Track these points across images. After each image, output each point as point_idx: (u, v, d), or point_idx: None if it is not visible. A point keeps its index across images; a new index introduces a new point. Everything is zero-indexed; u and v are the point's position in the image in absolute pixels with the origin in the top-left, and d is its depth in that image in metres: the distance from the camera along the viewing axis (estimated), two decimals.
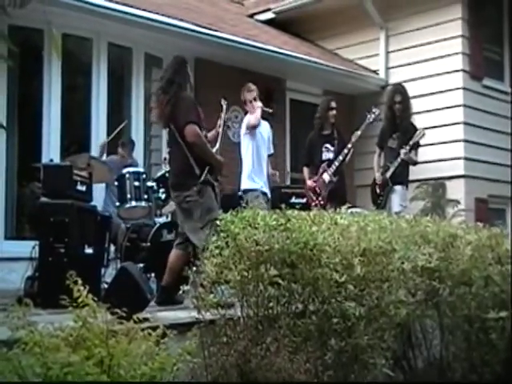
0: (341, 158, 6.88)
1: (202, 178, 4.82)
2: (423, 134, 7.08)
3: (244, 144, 6.32)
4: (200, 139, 4.79)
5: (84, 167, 5.46)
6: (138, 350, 2.61)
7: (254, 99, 6.29)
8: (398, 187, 7.04)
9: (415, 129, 7.17)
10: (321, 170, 6.94)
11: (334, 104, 7.11)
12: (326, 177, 6.87)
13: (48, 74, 6.81)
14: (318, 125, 7.06)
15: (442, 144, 9.12)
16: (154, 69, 7.95)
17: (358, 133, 6.98)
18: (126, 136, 7.17)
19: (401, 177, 7.07)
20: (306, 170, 7.14)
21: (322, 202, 6.75)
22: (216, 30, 8.02)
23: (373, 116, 7.09)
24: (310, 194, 6.94)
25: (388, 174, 7.03)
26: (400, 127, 7.15)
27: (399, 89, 7.35)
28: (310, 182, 6.93)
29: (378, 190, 7.13)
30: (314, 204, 6.78)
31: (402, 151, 6.96)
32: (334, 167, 6.87)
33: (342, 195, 6.81)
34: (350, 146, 6.88)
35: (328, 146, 6.98)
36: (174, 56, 5.23)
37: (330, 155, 6.98)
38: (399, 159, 6.99)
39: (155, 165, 7.70)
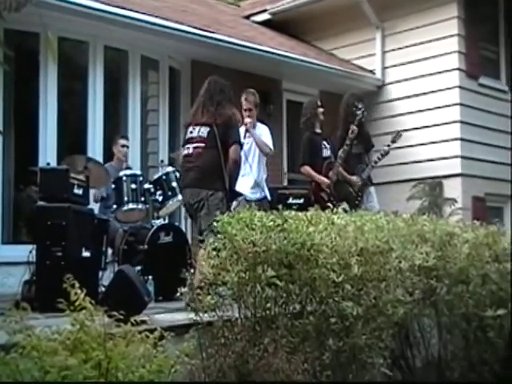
0: (342, 155, 6.88)
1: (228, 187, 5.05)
2: (400, 135, 7.31)
3: None
4: (240, 159, 5.30)
5: (81, 170, 5.45)
6: (136, 352, 2.61)
7: (246, 110, 6.35)
8: (372, 188, 7.28)
9: (369, 137, 7.49)
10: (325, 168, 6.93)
11: (319, 102, 7.21)
12: (333, 176, 6.87)
13: (44, 77, 6.78)
14: (309, 124, 7.04)
15: (439, 143, 9.14)
16: (150, 71, 7.95)
17: (355, 128, 6.96)
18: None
19: (370, 179, 7.31)
20: (310, 169, 6.95)
21: (334, 202, 6.54)
22: (213, 32, 8.02)
23: (360, 112, 7.08)
24: (323, 193, 6.84)
25: (365, 175, 7.14)
26: (360, 134, 7.23)
27: (360, 97, 7.49)
28: (326, 180, 6.83)
29: (352, 191, 7.16)
30: (327, 204, 6.48)
31: (385, 148, 7.22)
32: (337, 165, 6.88)
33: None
34: (348, 142, 6.89)
35: (325, 143, 7.03)
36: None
37: (328, 153, 7.01)
38: (379, 156, 7.18)
39: (152, 167, 7.69)
